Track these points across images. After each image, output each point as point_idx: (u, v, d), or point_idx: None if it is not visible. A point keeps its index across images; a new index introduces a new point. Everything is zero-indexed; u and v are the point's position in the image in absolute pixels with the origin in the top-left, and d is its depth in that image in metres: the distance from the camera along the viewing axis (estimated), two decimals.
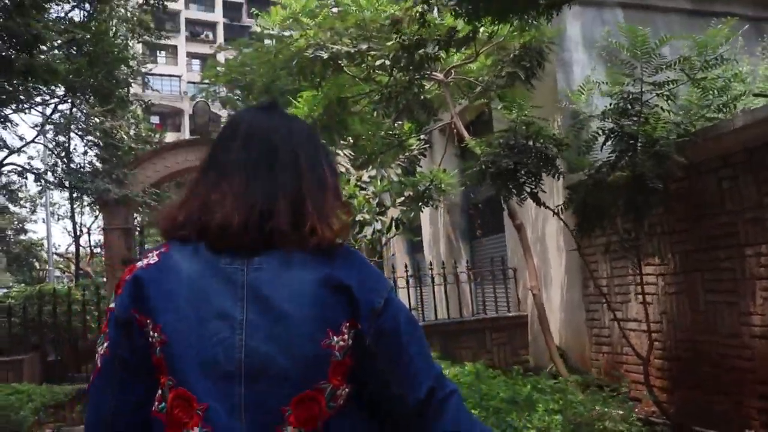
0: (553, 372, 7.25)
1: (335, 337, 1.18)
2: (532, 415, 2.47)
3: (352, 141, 12.55)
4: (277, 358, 1.16)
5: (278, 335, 1.16)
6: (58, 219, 23.29)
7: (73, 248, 14.43)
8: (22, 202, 21.32)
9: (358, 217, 10.68)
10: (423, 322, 9.40)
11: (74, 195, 11.50)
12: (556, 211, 6.11)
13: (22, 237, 25.88)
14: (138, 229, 10.38)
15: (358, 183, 11.51)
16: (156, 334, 1.18)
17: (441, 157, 10.35)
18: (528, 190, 5.69)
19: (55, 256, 21.98)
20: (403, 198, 10.97)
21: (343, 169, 12.15)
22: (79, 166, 7.99)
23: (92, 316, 8.51)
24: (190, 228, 1.24)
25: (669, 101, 5.31)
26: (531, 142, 5.65)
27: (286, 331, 1.16)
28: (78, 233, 12.54)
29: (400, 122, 9.68)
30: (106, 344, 1.25)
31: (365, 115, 9.21)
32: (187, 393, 1.15)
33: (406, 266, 10.11)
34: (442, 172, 8.62)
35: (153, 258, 1.24)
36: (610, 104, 5.49)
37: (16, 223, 28.06)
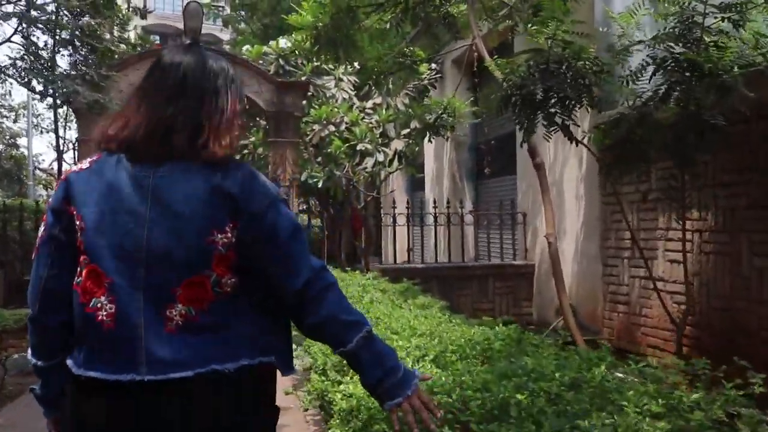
0: (559, 329, 6.61)
1: (219, 235, 1.49)
2: (619, 416, 1.67)
3: (357, 67, 11.64)
4: (172, 248, 1.47)
5: (173, 230, 1.47)
6: (43, 132, 22.24)
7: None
8: (3, 111, 20.28)
9: (359, 147, 9.88)
10: (422, 264, 8.69)
11: (56, 103, 10.56)
12: (591, 149, 5.30)
13: (14, 152, 24.96)
14: None
15: (363, 110, 10.66)
16: (78, 222, 1.51)
17: (453, 90, 9.46)
18: (559, 121, 4.87)
19: (39, 172, 21.12)
20: (408, 130, 10.16)
21: (345, 96, 11.25)
22: (46, 63, 7.08)
23: None
24: (115, 142, 1.56)
25: (736, 27, 4.44)
26: (566, 67, 4.80)
27: (180, 227, 1.47)
28: (61, 147, 11.59)
29: (411, 48, 8.74)
30: (43, 228, 1.59)
31: (376, 32, 8.28)
32: (98, 269, 1.48)
33: (408, 202, 9.35)
34: (456, 100, 7.70)
35: (86, 164, 1.59)
36: (664, 28, 4.64)
37: (7, 137, 27.08)
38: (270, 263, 1.53)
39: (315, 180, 10.53)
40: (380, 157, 9.45)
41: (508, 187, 9.70)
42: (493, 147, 10.38)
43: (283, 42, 11.30)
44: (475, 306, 8.14)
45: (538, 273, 8.34)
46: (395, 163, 10.06)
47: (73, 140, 17.32)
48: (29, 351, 1.64)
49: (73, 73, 6.93)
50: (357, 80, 11.53)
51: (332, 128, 10.24)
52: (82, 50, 7.22)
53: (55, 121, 12.59)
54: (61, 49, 7.21)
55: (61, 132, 11.81)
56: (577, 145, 5.28)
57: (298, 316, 1.58)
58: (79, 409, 1.51)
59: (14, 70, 6.90)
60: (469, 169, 11.45)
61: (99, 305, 1.47)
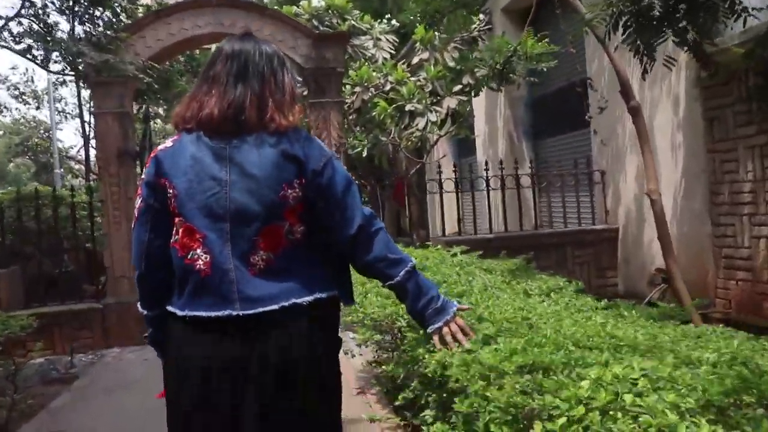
0: (660, 302, 5.58)
1: (289, 190, 1.77)
2: None
3: (396, 24, 10.56)
4: (250, 204, 1.75)
5: (250, 189, 1.76)
6: (67, 117, 21.54)
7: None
8: (26, 97, 19.61)
9: (408, 107, 8.86)
10: (491, 234, 7.66)
11: (79, 85, 9.72)
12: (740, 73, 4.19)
13: (47, 144, 24.44)
14: (142, 115, 8.61)
15: (409, 66, 9.59)
16: (171, 191, 1.80)
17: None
18: (691, 38, 3.79)
19: (68, 161, 20.49)
20: (461, 86, 9.09)
21: (386, 56, 10.18)
22: (43, 23, 6.21)
23: (93, 223, 6.89)
24: (192, 121, 1.82)
25: None
26: None
27: (256, 186, 1.76)
28: (87, 131, 10.74)
29: None
30: (140, 200, 1.86)
31: None
32: (192, 227, 1.77)
33: (455, 166, 8.29)
34: (530, 39, 6.60)
35: (168, 143, 1.87)
36: None
37: (42, 131, 26.67)
38: (329, 212, 1.84)
39: (357, 149, 9.56)
40: (432, 117, 8.40)
41: (578, 143, 8.61)
42: (556, 100, 9.27)
43: (316, 0, 10.26)
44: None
45: (624, 238, 7.28)
46: (448, 123, 9.00)
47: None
48: (138, 303, 1.97)
49: (78, 35, 6.05)
50: (396, 39, 10.47)
51: (375, 90, 9.23)
52: (90, 9, 6.30)
53: (80, 105, 11.82)
54: (66, 9, 6.31)
55: (86, 117, 10.96)
56: (714, 74, 4.14)
57: (353, 256, 1.90)
58: (185, 343, 1.79)
59: (8, 34, 6.02)
60: (527, 127, 10.36)
61: (196, 256, 1.77)
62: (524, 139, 10.35)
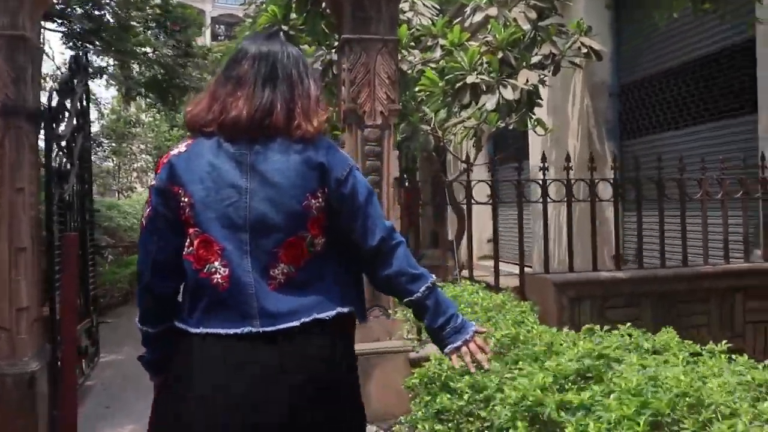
0: None
1: (312, 200, 1.70)
2: None
3: None
4: (271, 214, 1.67)
5: (272, 198, 1.68)
6: None
7: None
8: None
9: (469, 80, 6.24)
10: (608, 271, 4.95)
11: None
12: None
13: None
14: (70, 63, 5.37)
15: (470, 27, 6.93)
16: (186, 199, 1.69)
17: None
18: None
19: None
20: (540, 57, 6.48)
21: (426, 22, 7.52)
22: None
23: None
24: (213, 123, 1.73)
25: None
26: None
27: (278, 195, 1.68)
28: None
29: None
30: (149, 208, 1.76)
31: None
32: (209, 238, 1.67)
33: (489, 170, 5.57)
34: None
35: (182, 148, 1.76)
36: None
37: None
38: (351, 223, 1.76)
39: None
40: (508, 94, 5.73)
41: (714, 139, 5.99)
42: (674, 79, 6.67)
43: None
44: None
45: None
46: (520, 106, 6.33)
47: None
48: (137, 319, 1.84)
49: None
50: (435, 5, 7.82)
51: (415, 60, 6.64)
52: None
53: None
54: None
55: None
56: None
57: (373, 270, 1.81)
58: (200, 362, 1.66)
59: None
60: (611, 124, 7.77)
61: (213, 270, 1.66)
62: (606, 137, 7.76)
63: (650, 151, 7.01)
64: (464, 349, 1.80)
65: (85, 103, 5.28)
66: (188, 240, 1.71)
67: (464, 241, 6.35)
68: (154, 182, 1.79)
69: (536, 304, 3.96)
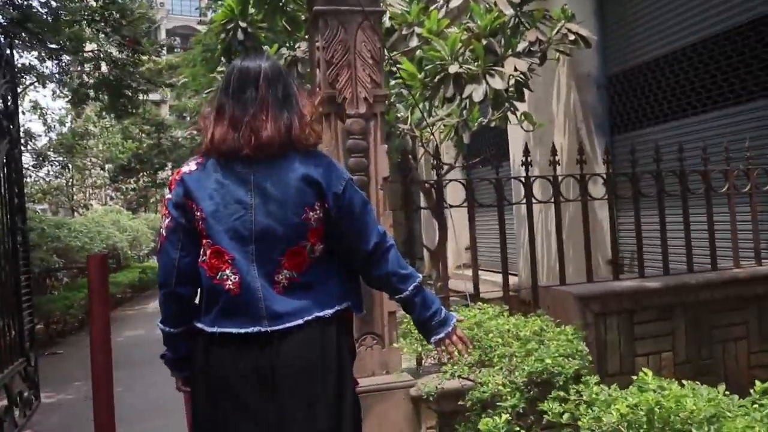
0: None
1: (311, 213, 1.89)
2: None
3: None
4: (275, 226, 1.86)
5: (274, 212, 1.86)
6: None
7: None
8: None
9: (452, 69, 5.62)
10: (633, 279, 4.32)
11: None
12: None
13: None
14: None
15: (449, 13, 6.32)
16: (199, 213, 1.88)
17: None
18: None
19: None
20: (526, 44, 5.90)
21: (398, 10, 6.88)
22: None
23: None
24: (216, 152, 1.90)
25: None
26: None
27: (280, 210, 1.86)
28: None
29: None
30: (167, 220, 1.93)
31: None
32: (220, 248, 1.86)
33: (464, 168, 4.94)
34: None
35: (193, 165, 1.94)
36: None
37: None
38: (348, 231, 1.96)
39: None
40: (497, 83, 5.12)
41: (722, 129, 5.46)
42: (676, 61, 6.15)
43: None
44: (751, 360, 3.92)
45: None
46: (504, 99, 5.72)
47: None
48: (160, 322, 2.01)
49: None
50: None
51: (390, 50, 5.99)
52: None
53: None
54: None
55: None
56: None
57: (367, 270, 2.03)
58: (214, 359, 1.87)
59: None
60: (600, 118, 7.24)
61: (225, 277, 1.86)
62: (596, 133, 7.22)
63: (645, 145, 6.47)
64: (447, 340, 2.06)
65: (10, 102, 4.50)
66: (202, 249, 1.91)
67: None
68: (169, 197, 1.97)
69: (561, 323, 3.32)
